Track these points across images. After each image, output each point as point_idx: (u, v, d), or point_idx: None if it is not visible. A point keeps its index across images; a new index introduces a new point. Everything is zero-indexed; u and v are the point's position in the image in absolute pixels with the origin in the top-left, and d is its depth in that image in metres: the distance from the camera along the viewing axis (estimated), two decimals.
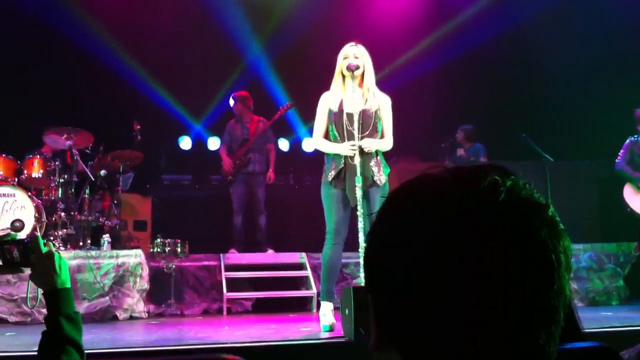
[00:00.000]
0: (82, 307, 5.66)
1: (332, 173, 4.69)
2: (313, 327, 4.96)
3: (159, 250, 6.51)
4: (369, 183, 4.65)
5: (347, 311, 4.14)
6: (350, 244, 5.01)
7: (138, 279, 6.13)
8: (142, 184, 8.91)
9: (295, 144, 10.44)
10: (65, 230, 6.67)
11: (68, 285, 1.84)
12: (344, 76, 4.76)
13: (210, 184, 9.49)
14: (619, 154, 7.43)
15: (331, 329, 4.55)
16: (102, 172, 7.34)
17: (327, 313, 4.64)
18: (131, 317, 6.03)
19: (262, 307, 6.72)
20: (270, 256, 7.47)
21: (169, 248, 6.50)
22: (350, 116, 4.65)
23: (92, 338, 4.35)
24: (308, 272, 6.90)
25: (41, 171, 6.86)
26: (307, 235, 7.73)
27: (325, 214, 4.74)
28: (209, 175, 9.60)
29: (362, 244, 4.46)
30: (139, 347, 4.03)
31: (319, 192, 4.81)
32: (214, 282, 6.78)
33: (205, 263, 6.90)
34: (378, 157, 4.74)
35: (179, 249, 6.53)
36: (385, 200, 0.81)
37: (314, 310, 6.36)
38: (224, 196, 8.03)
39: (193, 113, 10.25)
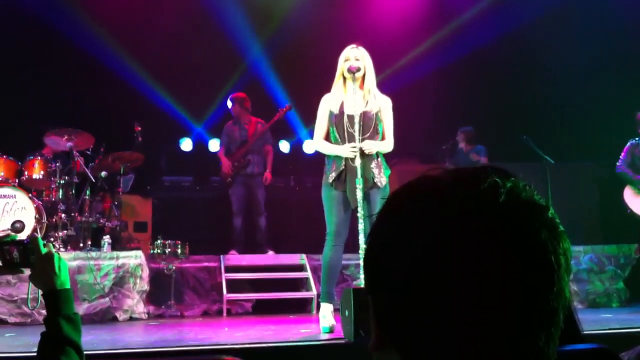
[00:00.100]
0: (82, 308, 5.67)
1: (333, 175, 4.69)
2: (313, 329, 4.96)
3: (159, 251, 6.51)
4: (370, 185, 4.65)
5: (347, 313, 4.14)
6: (351, 246, 5.00)
7: (138, 280, 6.13)
8: (142, 185, 8.91)
9: (296, 146, 10.43)
10: (65, 231, 6.68)
11: (67, 286, 1.84)
12: (344, 78, 4.76)
13: (210, 186, 9.49)
14: (620, 157, 7.44)
15: (331, 330, 4.55)
16: (103, 174, 7.36)
17: (327, 314, 4.64)
18: (131, 318, 6.03)
19: (262, 309, 6.72)
20: (270, 257, 7.47)
21: (169, 249, 6.50)
22: (351, 118, 4.66)
23: (92, 339, 4.35)
24: (308, 274, 6.90)
25: (42, 172, 6.86)
26: (308, 236, 7.73)
27: (326, 215, 4.74)
28: (209, 177, 9.60)
29: (362, 245, 4.45)
30: (138, 349, 4.02)
31: (319, 194, 4.81)
32: (214, 284, 6.78)
33: (206, 264, 6.89)
34: (379, 159, 4.74)
35: (179, 250, 6.53)
36: (386, 201, 0.81)
37: (314, 312, 6.36)
38: (225, 198, 8.03)
39: (194, 114, 10.25)
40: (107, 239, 6.60)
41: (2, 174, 6.71)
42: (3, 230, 6.09)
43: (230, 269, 6.93)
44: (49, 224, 6.63)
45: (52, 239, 6.48)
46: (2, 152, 6.88)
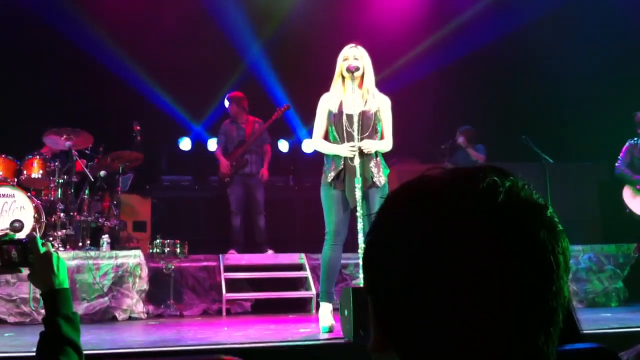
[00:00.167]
0: (81, 308, 5.66)
1: (332, 174, 4.69)
2: (312, 328, 4.96)
3: (158, 250, 6.50)
4: (369, 184, 4.65)
5: (346, 312, 4.14)
6: (350, 245, 5.01)
7: (137, 280, 6.13)
8: (141, 184, 8.91)
9: (295, 145, 10.43)
10: (64, 230, 6.67)
11: (66, 285, 1.84)
12: (343, 77, 4.76)
13: (210, 185, 9.48)
14: (619, 157, 7.44)
15: (330, 330, 4.55)
16: (102, 173, 7.35)
17: (326, 314, 4.64)
18: (130, 318, 6.03)
19: (262, 308, 6.72)
20: (269, 257, 7.47)
21: (168, 249, 6.50)
22: (350, 117, 4.66)
23: (91, 339, 4.35)
24: (307, 273, 6.90)
25: (41, 172, 6.86)
26: (307, 236, 7.73)
27: (325, 215, 4.74)
28: (208, 176, 9.59)
29: (361, 245, 4.46)
30: (138, 348, 4.02)
31: (318, 193, 4.81)
32: (213, 283, 6.78)
33: (205, 264, 6.89)
34: (378, 158, 4.74)
35: (178, 250, 6.53)
36: (384, 201, 0.81)
37: (314, 311, 6.35)
38: (224, 197, 8.03)
39: (193, 114, 10.25)
40: (106, 238, 6.59)
41: (1, 173, 6.70)
42: (2, 230, 6.09)
43: (229, 269, 6.93)
44: (47, 224, 6.62)
45: (51, 239, 6.47)
46: (1, 151, 6.87)
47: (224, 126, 8.18)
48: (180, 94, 9.85)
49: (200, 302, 6.69)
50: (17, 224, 6.25)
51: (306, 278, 6.90)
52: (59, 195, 6.89)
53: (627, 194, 7.39)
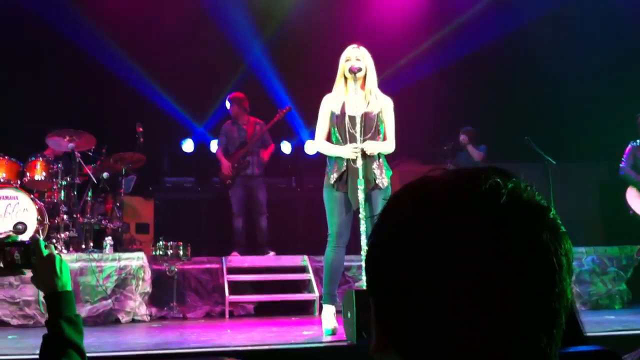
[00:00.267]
0: (84, 310, 5.67)
1: (335, 176, 4.69)
2: (315, 331, 4.96)
3: (161, 253, 6.51)
4: (372, 186, 4.65)
5: (349, 314, 4.13)
6: (353, 247, 5.00)
7: (140, 282, 6.13)
8: (144, 186, 8.91)
9: (297, 147, 10.43)
10: (67, 232, 6.68)
11: (69, 288, 1.84)
12: (346, 78, 4.75)
13: (212, 187, 9.48)
14: (622, 159, 7.43)
15: (333, 332, 4.55)
16: (105, 175, 7.36)
17: (329, 316, 4.63)
18: (133, 320, 6.03)
19: (265, 310, 6.72)
20: (272, 259, 7.46)
21: (171, 251, 6.50)
22: (352, 119, 4.65)
23: (94, 341, 4.35)
24: (310, 275, 6.89)
25: (44, 174, 6.87)
26: (309, 238, 7.72)
27: (328, 216, 4.74)
28: (211, 178, 9.60)
29: (364, 246, 4.45)
30: (141, 351, 4.03)
31: (321, 195, 4.81)
32: (216, 285, 6.78)
33: (208, 266, 6.89)
34: (380, 160, 4.74)
35: (181, 252, 6.53)
36: (387, 202, 0.80)
37: (316, 314, 6.35)
38: (226, 198, 8.03)
39: (195, 115, 10.26)
40: (109, 240, 6.60)
41: (4, 175, 6.71)
42: (5, 232, 6.09)
43: (232, 271, 6.92)
44: (51, 226, 6.63)
45: (54, 241, 6.48)
46: (4, 153, 6.89)
47: (225, 127, 8.18)
48: (183, 95, 9.87)
49: (203, 304, 6.69)
50: (20, 226, 6.26)
51: (309, 280, 6.90)
52: (62, 197, 6.90)
53: (631, 196, 7.38)
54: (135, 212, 8.51)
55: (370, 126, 4.69)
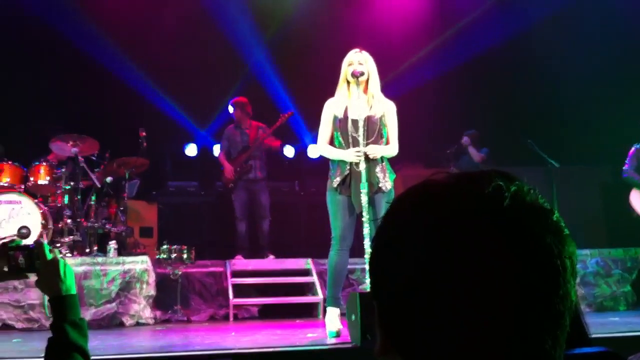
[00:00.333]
0: (88, 314, 5.67)
1: (338, 179, 4.69)
2: (319, 333, 4.96)
3: (165, 256, 6.51)
4: (375, 189, 4.65)
5: (353, 317, 4.13)
6: (356, 250, 5.01)
7: (144, 285, 6.13)
8: (148, 190, 8.93)
9: (300, 151, 10.44)
10: (71, 236, 6.69)
11: (73, 291, 1.84)
12: (348, 82, 4.76)
13: (216, 190, 9.49)
14: (625, 161, 7.41)
15: (337, 334, 4.55)
16: (108, 179, 7.38)
17: (333, 319, 4.64)
18: (138, 324, 6.03)
19: (269, 313, 6.72)
20: (276, 262, 7.46)
21: (175, 254, 6.51)
22: (355, 123, 4.65)
23: (99, 344, 4.36)
24: (314, 278, 6.89)
25: (47, 178, 6.88)
26: (313, 241, 7.73)
27: (331, 220, 4.74)
28: (214, 182, 9.61)
29: (367, 249, 4.45)
30: (145, 354, 4.03)
31: (324, 199, 4.81)
32: (220, 288, 6.78)
33: (212, 269, 6.89)
34: (383, 164, 4.74)
35: (185, 255, 6.53)
36: (390, 205, 0.81)
37: (320, 316, 6.35)
38: (229, 202, 8.04)
39: (198, 120, 10.28)
40: (113, 244, 6.61)
41: (8, 180, 6.73)
42: (9, 236, 6.10)
43: (236, 274, 6.93)
44: (54, 230, 6.65)
45: (58, 245, 6.49)
46: (8, 158, 6.91)
47: (228, 131, 8.19)
48: (186, 100, 9.89)
49: (208, 307, 6.69)
50: (24, 230, 6.27)
51: (313, 283, 6.90)
52: (66, 202, 6.91)
53: (635, 198, 7.36)
54: (139, 216, 8.53)
55: (373, 130, 4.69)
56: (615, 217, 7.94)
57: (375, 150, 4.63)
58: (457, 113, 9.76)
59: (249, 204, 7.89)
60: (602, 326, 4.92)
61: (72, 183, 7.00)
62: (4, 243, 1.87)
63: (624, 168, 7.43)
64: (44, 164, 6.97)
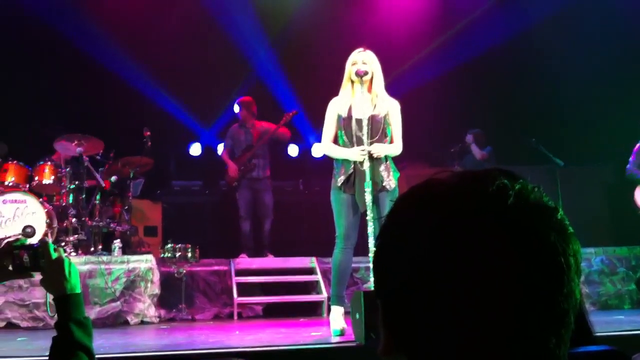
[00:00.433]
0: (93, 312, 5.68)
1: (342, 178, 4.69)
2: (324, 332, 4.96)
3: (169, 255, 6.52)
4: (379, 188, 4.64)
5: (357, 315, 4.14)
6: (361, 249, 5.00)
7: (149, 284, 6.14)
8: (152, 189, 8.94)
9: (305, 150, 10.44)
10: (76, 235, 6.71)
11: (78, 290, 1.85)
12: (352, 82, 4.76)
13: (220, 190, 9.50)
14: (630, 158, 7.40)
15: (342, 333, 4.55)
16: (113, 178, 7.39)
17: (337, 317, 4.64)
18: (142, 322, 6.04)
19: (273, 312, 6.73)
20: (280, 261, 7.47)
21: (179, 253, 6.52)
22: (359, 122, 4.65)
23: (103, 343, 4.36)
24: (318, 277, 6.90)
25: (52, 177, 6.90)
26: (317, 240, 7.72)
27: (335, 218, 4.74)
28: (218, 181, 9.62)
29: (372, 248, 4.45)
30: (150, 352, 4.03)
31: (328, 197, 4.81)
32: (224, 287, 6.79)
33: (216, 268, 6.90)
34: (387, 162, 4.73)
35: (189, 254, 6.54)
36: (393, 204, 0.81)
37: (325, 315, 6.36)
38: (234, 201, 8.04)
39: (203, 119, 10.28)
40: (117, 243, 6.62)
41: (13, 179, 6.75)
42: (14, 235, 6.12)
43: (240, 273, 6.93)
44: (59, 229, 6.66)
45: (63, 244, 6.51)
46: (13, 157, 6.93)
47: (232, 130, 8.21)
48: (190, 99, 9.89)
49: (212, 306, 6.70)
50: (29, 230, 6.29)
51: (317, 282, 6.90)
52: (71, 201, 6.93)
53: (639, 196, 7.34)
54: (144, 216, 8.54)
55: (377, 129, 4.69)
56: (620, 216, 7.93)
57: (379, 149, 4.62)
58: (459, 112, 9.75)
59: (253, 202, 7.90)
60: (607, 324, 4.91)
61: (76, 182, 7.02)
62: (8, 242, 1.87)
63: (627, 167, 7.41)
64: (49, 163, 6.99)
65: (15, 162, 6.86)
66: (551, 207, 0.75)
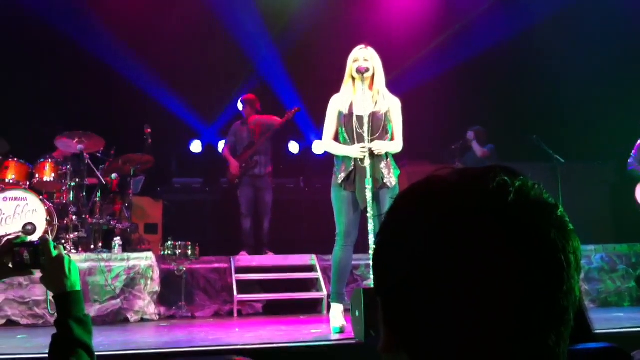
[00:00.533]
0: (93, 310, 5.69)
1: (342, 175, 4.69)
2: (323, 329, 4.96)
3: (169, 252, 6.52)
4: (379, 185, 4.65)
5: (357, 313, 4.14)
6: (361, 246, 5.00)
7: (149, 282, 6.14)
8: (153, 187, 8.95)
9: (305, 147, 10.44)
10: (76, 233, 6.71)
11: (78, 288, 1.85)
12: (353, 79, 4.76)
13: (220, 187, 9.51)
14: (631, 154, 7.40)
15: (341, 330, 4.55)
16: (114, 176, 7.39)
17: (337, 315, 4.64)
18: (142, 320, 6.05)
19: (273, 309, 6.73)
20: (280, 258, 7.47)
21: (179, 251, 6.52)
22: (360, 119, 4.65)
23: (103, 340, 4.37)
24: (318, 274, 6.90)
25: (53, 175, 6.90)
26: (317, 237, 7.72)
27: (336, 216, 4.74)
28: (219, 178, 9.62)
29: (372, 245, 4.44)
30: (150, 349, 4.04)
31: (329, 195, 4.81)
32: (224, 285, 6.79)
33: (216, 265, 6.90)
34: (388, 159, 4.73)
35: (189, 252, 6.54)
36: (393, 201, 0.81)
37: (325, 312, 6.36)
38: (234, 199, 8.05)
39: (203, 116, 10.28)
40: (117, 240, 6.62)
41: (14, 176, 6.75)
42: (14, 232, 6.12)
43: (240, 270, 6.94)
44: (60, 226, 6.66)
45: (63, 241, 6.51)
46: (13, 155, 6.93)
47: (235, 127, 8.21)
48: (191, 97, 9.89)
49: (212, 303, 6.70)
50: (29, 227, 6.29)
51: (317, 279, 6.90)
52: (71, 198, 6.93)
53: None
54: (144, 213, 8.54)
55: (378, 126, 4.69)
56: (622, 214, 7.93)
57: (380, 146, 4.63)
58: (460, 111, 9.74)
59: (254, 200, 7.91)
60: (607, 322, 4.91)
61: (77, 180, 7.02)
62: (9, 239, 1.87)
63: (629, 161, 7.41)
64: (50, 160, 6.99)
65: (16, 159, 6.86)
66: (551, 204, 0.75)
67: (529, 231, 0.71)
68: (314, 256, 7.12)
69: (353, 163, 4.66)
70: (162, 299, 6.39)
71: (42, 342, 4.17)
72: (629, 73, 8.81)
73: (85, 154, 7.03)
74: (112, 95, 9.18)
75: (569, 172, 7.91)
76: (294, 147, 10.27)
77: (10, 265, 1.86)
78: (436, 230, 0.72)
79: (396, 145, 4.77)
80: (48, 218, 6.44)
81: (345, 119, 4.73)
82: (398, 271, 0.75)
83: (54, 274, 1.83)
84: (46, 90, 9.05)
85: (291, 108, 8.23)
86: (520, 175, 0.76)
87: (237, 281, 6.70)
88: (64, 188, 6.94)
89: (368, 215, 4.51)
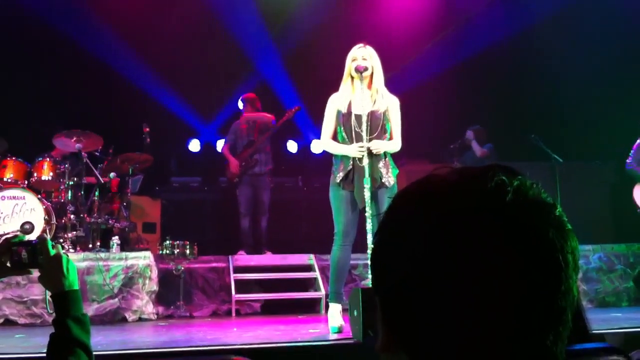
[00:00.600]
0: (91, 309, 5.68)
1: (341, 175, 4.69)
2: (321, 329, 4.96)
3: (168, 252, 6.52)
4: (378, 184, 4.65)
5: (355, 312, 4.14)
6: (359, 246, 5.00)
7: (147, 281, 6.14)
8: (151, 186, 8.94)
9: (304, 146, 10.44)
10: (74, 232, 6.70)
11: (76, 287, 1.85)
12: (352, 78, 4.76)
13: (219, 186, 9.51)
14: (630, 153, 7.40)
15: (340, 330, 4.55)
16: (112, 175, 7.38)
17: (335, 314, 4.64)
18: (140, 319, 6.04)
19: (271, 309, 6.73)
20: (278, 258, 7.47)
21: (178, 250, 6.51)
22: (358, 118, 4.65)
23: (101, 340, 4.37)
24: (316, 274, 6.90)
25: (51, 174, 6.90)
26: (316, 237, 7.73)
27: (334, 215, 4.74)
28: (218, 178, 9.62)
29: (370, 245, 4.44)
30: (148, 349, 4.04)
31: (327, 194, 4.81)
32: (222, 284, 6.79)
33: (214, 265, 6.90)
34: (387, 159, 4.73)
35: (187, 251, 6.54)
36: (392, 200, 0.81)
37: (323, 312, 6.36)
38: (233, 198, 8.04)
39: (202, 115, 10.28)
40: (116, 239, 6.62)
41: (12, 175, 6.75)
42: (12, 231, 6.12)
43: (238, 270, 6.94)
44: (58, 225, 6.65)
45: (61, 240, 6.50)
46: (12, 154, 6.92)
47: (235, 126, 8.20)
48: (190, 96, 9.89)
49: (210, 303, 6.70)
50: (27, 226, 6.28)
51: (315, 279, 6.90)
52: (69, 197, 6.92)
53: (638, 193, 7.34)
54: (143, 212, 8.53)
55: (377, 125, 4.69)
56: (621, 213, 7.93)
57: (378, 146, 4.63)
58: (460, 110, 9.75)
59: (253, 199, 7.90)
60: (605, 322, 4.91)
61: (75, 179, 7.01)
62: (7, 238, 1.87)
63: (627, 161, 7.41)
64: (48, 159, 6.98)
65: (14, 158, 6.86)
66: (549, 204, 0.75)
67: (527, 230, 0.71)
68: (312, 256, 7.12)
69: (351, 162, 4.66)
70: (160, 298, 6.38)
71: (40, 341, 4.17)
72: (629, 73, 8.81)
73: (83, 153, 7.02)
74: (111, 94, 9.17)
75: (568, 171, 7.91)
76: (292, 146, 10.27)
77: (8, 265, 1.86)
78: (435, 229, 0.72)
79: (395, 144, 4.77)
80: (46, 217, 6.43)
81: (344, 118, 4.73)
82: (397, 271, 0.75)
83: (52, 273, 1.83)
84: (45, 89, 9.05)
85: (291, 107, 8.23)
86: (519, 174, 0.76)
87: (236, 281, 6.70)
88: (62, 187, 6.93)
89: (366, 214, 4.51)
